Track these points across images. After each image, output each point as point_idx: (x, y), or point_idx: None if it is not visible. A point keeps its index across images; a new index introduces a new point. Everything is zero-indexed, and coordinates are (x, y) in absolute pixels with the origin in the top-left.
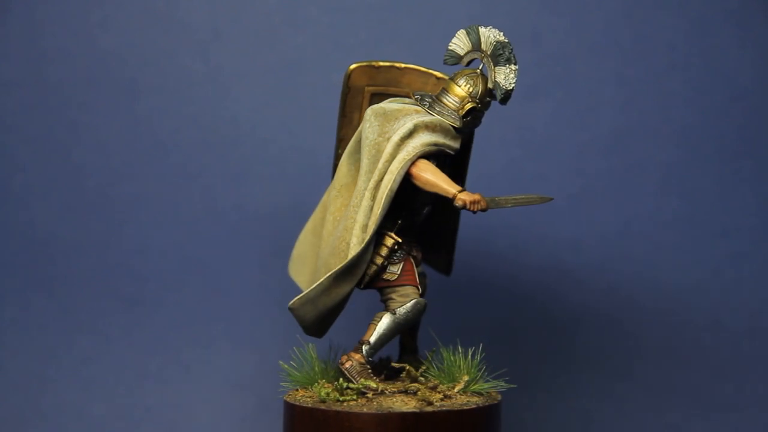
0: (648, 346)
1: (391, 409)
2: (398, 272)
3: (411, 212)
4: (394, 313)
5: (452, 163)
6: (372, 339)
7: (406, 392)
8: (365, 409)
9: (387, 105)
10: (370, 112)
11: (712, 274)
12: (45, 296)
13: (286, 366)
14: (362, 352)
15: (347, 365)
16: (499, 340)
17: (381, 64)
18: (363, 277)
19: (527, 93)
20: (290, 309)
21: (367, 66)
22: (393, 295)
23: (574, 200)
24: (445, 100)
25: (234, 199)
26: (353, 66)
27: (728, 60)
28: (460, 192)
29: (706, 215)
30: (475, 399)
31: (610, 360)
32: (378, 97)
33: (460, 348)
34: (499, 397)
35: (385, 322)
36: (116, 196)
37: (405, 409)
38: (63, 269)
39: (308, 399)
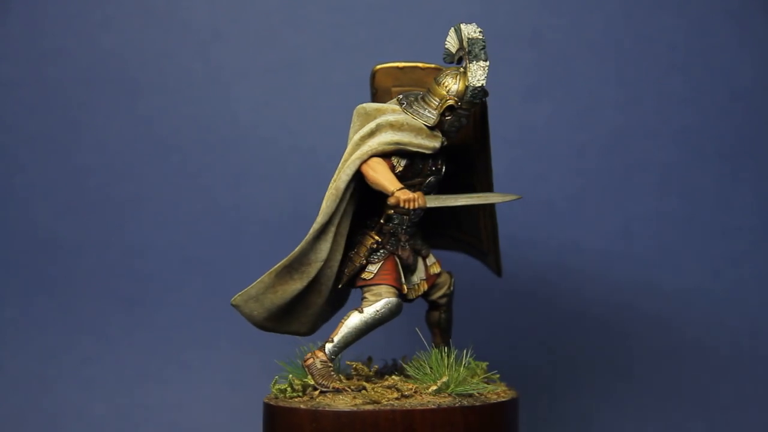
0: (648, 346)
1: (327, 407)
2: (375, 271)
3: (400, 212)
4: (362, 312)
5: (466, 161)
6: (336, 338)
7: (359, 390)
8: (302, 406)
9: (369, 105)
10: (354, 111)
11: (712, 274)
12: (46, 296)
13: (281, 363)
14: (325, 350)
15: (308, 363)
16: (498, 340)
17: (404, 64)
18: (340, 275)
19: (527, 93)
20: (233, 305)
21: (390, 67)
22: (367, 294)
23: (574, 200)
24: (427, 99)
25: (234, 199)
26: (377, 67)
27: (728, 60)
28: (398, 190)
29: (706, 215)
30: (446, 400)
31: (610, 360)
32: None
33: (446, 348)
34: (493, 399)
35: (352, 321)
36: (116, 196)
37: (342, 407)
38: (64, 269)
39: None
